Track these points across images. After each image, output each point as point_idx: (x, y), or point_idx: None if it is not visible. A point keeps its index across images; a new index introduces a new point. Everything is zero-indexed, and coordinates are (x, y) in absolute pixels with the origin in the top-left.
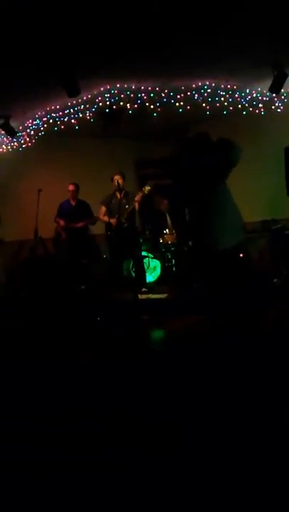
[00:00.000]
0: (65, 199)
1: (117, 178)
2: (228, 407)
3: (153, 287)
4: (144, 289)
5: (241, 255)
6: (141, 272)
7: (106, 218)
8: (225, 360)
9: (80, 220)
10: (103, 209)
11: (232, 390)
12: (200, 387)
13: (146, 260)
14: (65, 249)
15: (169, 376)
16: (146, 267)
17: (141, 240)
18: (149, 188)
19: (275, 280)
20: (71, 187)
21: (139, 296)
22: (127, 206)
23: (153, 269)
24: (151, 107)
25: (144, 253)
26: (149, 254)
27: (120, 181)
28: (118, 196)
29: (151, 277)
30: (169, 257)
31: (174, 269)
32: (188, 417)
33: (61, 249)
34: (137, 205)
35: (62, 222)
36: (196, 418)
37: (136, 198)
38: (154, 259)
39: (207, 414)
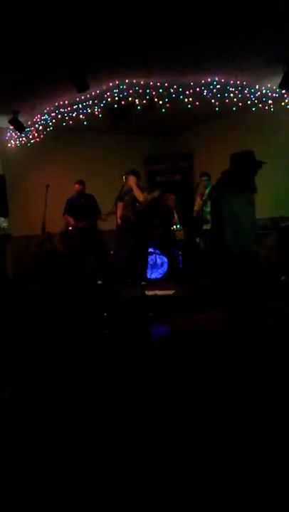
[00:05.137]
0: (73, 194)
1: (129, 177)
2: (230, 405)
3: (159, 283)
4: (143, 283)
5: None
6: (143, 265)
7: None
8: (231, 361)
9: (88, 215)
10: (120, 205)
11: (236, 390)
12: (203, 386)
13: (153, 256)
14: (75, 245)
15: (172, 374)
16: (153, 263)
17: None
18: (156, 194)
19: (282, 278)
20: (77, 186)
21: (146, 293)
22: (137, 204)
23: (160, 266)
24: (160, 102)
25: (150, 249)
26: (156, 251)
27: (129, 180)
28: (132, 193)
29: (158, 273)
30: (177, 253)
31: (181, 265)
32: (190, 415)
33: (71, 245)
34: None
35: (72, 221)
36: (198, 417)
37: (142, 199)
38: (162, 256)
39: (209, 412)
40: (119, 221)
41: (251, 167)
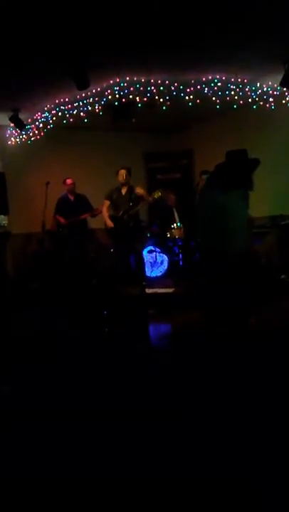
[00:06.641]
0: (62, 194)
1: (123, 172)
2: (230, 403)
3: (159, 281)
4: (143, 283)
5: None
6: (140, 265)
7: (106, 214)
8: (227, 356)
9: (80, 214)
10: (106, 203)
11: (236, 387)
12: (203, 383)
13: (153, 255)
14: (67, 243)
15: (171, 371)
16: (153, 261)
17: (148, 235)
18: (159, 194)
19: (283, 276)
20: (69, 181)
21: (146, 291)
22: (131, 204)
23: (161, 264)
24: (161, 100)
25: (151, 247)
26: (157, 249)
27: (126, 176)
28: (123, 191)
29: (158, 271)
30: (177, 251)
31: (181, 263)
32: (190, 413)
33: (63, 244)
34: (143, 193)
35: (62, 220)
36: (198, 415)
37: (143, 200)
38: (162, 254)
39: (209, 410)
40: (109, 222)
41: (245, 164)
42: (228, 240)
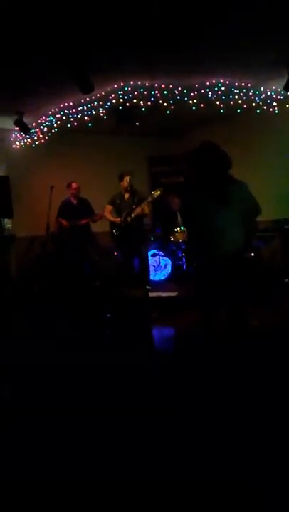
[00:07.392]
0: (66, 197)
1: (128, 178)
2: (231, 405)
3: (163, 285)
4: (148, 287)
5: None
6: (144, 269)
7: (110, 217)
8: (227, 356)
9: (82, 218)
10: (109, 208)
11: (238, 390)
12: (205, 386)
13: (156, 258)
14: (69, 246)
15: (172, 371)
16: (157, 265)
17: (152, 238)
18: (158, 192)
19: (286, 280)
20: (75, 185)
21: (150, 294)
22: (133, 206)
23: (164, 267)
24: (165, 104)
25: (154, 251)
26: (160, 252)
27: (130, 181)
28: (126, 196)
29: (162, 275)
30: (180, 255)
31: (184, 267)
32: (191, 414)
33: (65, 247)
34: (146, 208)
35: (64, 223)
36: (199, 416)
37: (145, 203)
38: (165, 257)
39: (210, 412)
40: (116, 219)
41: (219, 161)
42: (217, 243)
